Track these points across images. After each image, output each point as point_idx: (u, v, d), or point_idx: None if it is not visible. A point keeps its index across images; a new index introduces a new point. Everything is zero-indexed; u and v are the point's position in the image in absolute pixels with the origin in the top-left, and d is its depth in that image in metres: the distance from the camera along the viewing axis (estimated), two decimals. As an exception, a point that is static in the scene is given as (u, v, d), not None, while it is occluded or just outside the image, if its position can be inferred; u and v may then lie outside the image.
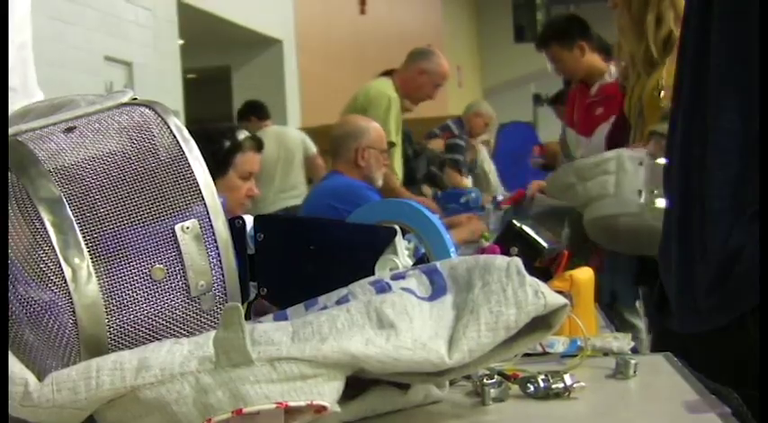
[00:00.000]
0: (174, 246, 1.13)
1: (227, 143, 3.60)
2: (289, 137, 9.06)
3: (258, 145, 3.76)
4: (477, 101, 9.87)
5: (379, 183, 4.79)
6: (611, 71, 5.17)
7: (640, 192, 2.87)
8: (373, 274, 1.39)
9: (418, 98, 6.04)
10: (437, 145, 8.57)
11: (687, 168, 1.78)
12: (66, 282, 1.07)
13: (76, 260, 1.07)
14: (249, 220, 1.44)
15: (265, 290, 1.43)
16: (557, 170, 3.62)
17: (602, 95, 5.17)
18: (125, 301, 1.10)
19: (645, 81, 3.09)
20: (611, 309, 3.85)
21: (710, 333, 1.73)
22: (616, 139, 3.74)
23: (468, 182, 8.64)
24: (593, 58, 5.27)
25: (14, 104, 1.80)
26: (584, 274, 1.93)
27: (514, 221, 2.51)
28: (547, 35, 5.45)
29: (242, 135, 3.70)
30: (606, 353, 1.49)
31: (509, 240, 2.42)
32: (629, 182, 2.88)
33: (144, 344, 1.08)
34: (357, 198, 4.11)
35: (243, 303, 1.31)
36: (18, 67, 1.92)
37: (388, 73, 6.15)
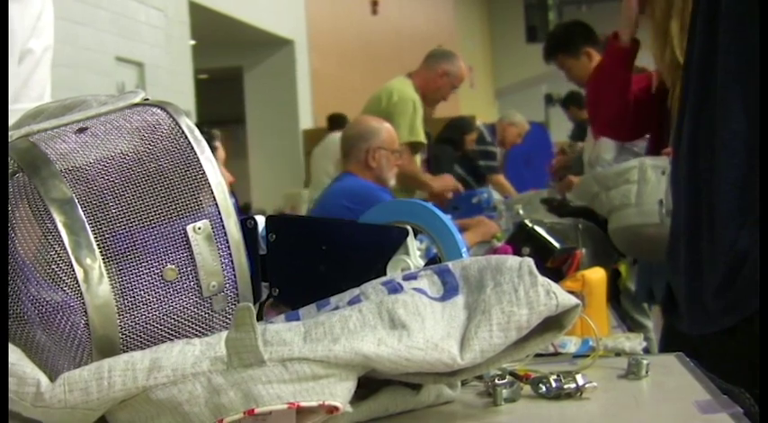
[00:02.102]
0: (186, 246, 1.13)
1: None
2: (333, 142, 9.20)
3: (210, 137, 4.08)
4: (511, 112, 9.90)
5: (391, 183, 4.79)
6: None
7: (662, 201, 2.85)
8: (385, 274, 1.39)
9: (435, 99, 6.06)
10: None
11: (695, 171, 1.78)
12: (77, 282, 1.07)
13: (88, 261, 1.07)
14: (261, 220, 1.44)
15: (277, 290, 1.43)
16: (581, 179, 3.60)
17: None
18: (137, 301, 1.10)
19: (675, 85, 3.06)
20: (621, 307, 3.84)
21: (719, 334, 1.73)
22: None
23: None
24: None
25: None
26: (596, 275, 1.93)
27: (526, 222, 2.51)
28: (552, 46, 5.46)
29: (205, 128, 4.04)
30: (618, 353, 1.49)
31: (521, 241, 2.42)
32: (651, 191, 2.86)
33: (156, 344, 1.08)
34: (371, 199, 4.12)
35: (254, 304, 1.31)
36: (42, 69, 1.92)
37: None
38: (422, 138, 5.79)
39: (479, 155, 8.74)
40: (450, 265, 1.22)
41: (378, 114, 5.63)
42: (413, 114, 5.72)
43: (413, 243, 1.45)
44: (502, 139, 9.22)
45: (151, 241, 1.12)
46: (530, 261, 1.16)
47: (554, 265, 2.34)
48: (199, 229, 1.14)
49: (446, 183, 5.77)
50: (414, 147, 5.76)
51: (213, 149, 4.22)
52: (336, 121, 10.39)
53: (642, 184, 2.88)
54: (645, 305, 4.35)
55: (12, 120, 1.29)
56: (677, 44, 2.80)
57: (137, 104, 1.23)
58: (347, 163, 4.76)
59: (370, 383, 1.11)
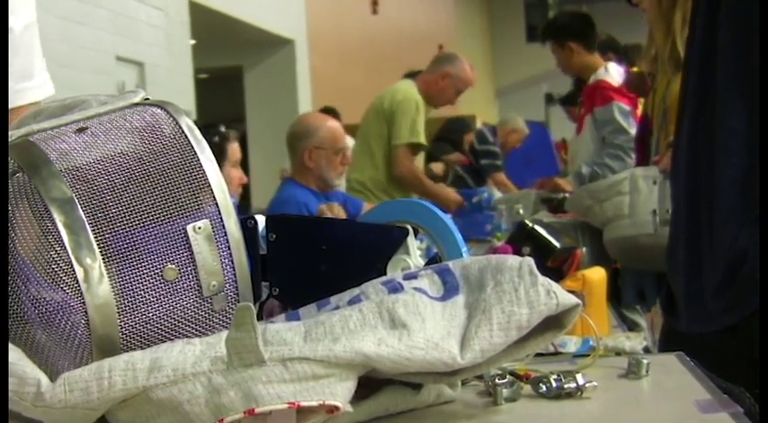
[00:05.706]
0: (186, 246, 1.13)
1: (216, 137, 3.86)
2: None
3: (238, 135, 4.09)
4: (512, 116, 9.92)
5: (336, 183, 4.67)
6: (599, 72, 5.22)
7: (655, 211, 2.86)
8: (385, 273, 1.39)
9: (439, 102, 6.06)
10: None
11: (695, 170, 1.78)
12: (78, 282, 1.07)
13: (88, 260, 1.07)
14: (261, 220, 1.44)
15: (277, 290, 1.43)
16: (573, 195, 3.63)
17: (584, 96, 5.26)
18: (137, 301, 1.10)
19: (670, 79, 3.07)
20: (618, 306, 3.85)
21: (719, 333, 1.73)
22: (641, 139, 3.72)
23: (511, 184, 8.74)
24: (586, 59, 5.34)
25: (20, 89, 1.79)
26: (597, 274, 1.93)
27: (526, 221, 2.51)
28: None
29: (223, 127, 4.01)
30: (618, 352, 1.49)
31: (521, 240, 2.43)
32: (643, 202, 2.88)
33: (156, 344, 1.08)
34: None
35: (255, 303, 1.31)
36: (23, 49, 1.89)
37: (410, 75, 6.20)
38: (422, 139, 5.78)
39: (482, 154, 8.77)
40: (450, 264, 1.22)
41: (380, 113, 5.66)
42: (415, 115, 5.70)
43: (413, 242, 1.45)
44: (504, 142, 9.25)
45: (151, 241, 1.12)
46: (530, 260, 1.15)
47: (554, 265, 2.35)
48: (199, 228, 1.14)
49: (448, 197, 5.71)
50: (414, 148, 5.75)
51: (224, 150, 4.18)
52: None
53: (635, 194, 2.90)
54: (638, 307, 4.37)
55: None
56: (678, 37, 2.80)
57: (137, 104, 1.23)
58: (291, 166, 4.61)
59: (371, 383, 1.11)
